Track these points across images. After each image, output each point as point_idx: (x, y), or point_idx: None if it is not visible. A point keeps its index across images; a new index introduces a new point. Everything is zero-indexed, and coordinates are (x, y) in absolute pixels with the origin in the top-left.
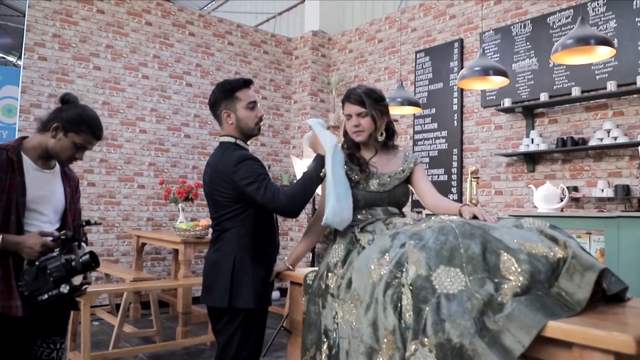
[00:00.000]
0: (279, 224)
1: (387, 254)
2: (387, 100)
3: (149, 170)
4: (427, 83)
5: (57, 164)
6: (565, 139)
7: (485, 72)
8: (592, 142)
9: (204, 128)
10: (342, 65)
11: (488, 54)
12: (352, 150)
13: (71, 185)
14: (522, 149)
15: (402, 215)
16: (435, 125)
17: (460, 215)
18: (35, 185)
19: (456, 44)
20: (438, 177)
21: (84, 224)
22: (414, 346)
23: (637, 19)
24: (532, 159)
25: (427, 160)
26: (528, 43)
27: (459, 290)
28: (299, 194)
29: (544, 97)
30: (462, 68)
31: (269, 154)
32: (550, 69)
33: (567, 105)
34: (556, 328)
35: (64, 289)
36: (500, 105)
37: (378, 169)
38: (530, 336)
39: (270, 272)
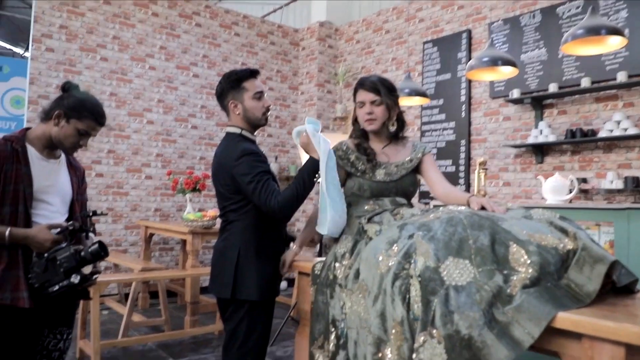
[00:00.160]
0: None
1: (395, 245)
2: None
3: (157, 161)
4: (434, 74)
5: (63, 154)
6: (574, 130)
7: (494, 62)
8: (602, 134)
9: (211, 119)
10: (349, 56)
11: (496, 45)
12: (360, 140)
13: (77, 175)
14: (531, 140)
15: (410, 205)
16: (443, 116)
17: (468, 206)
18: (41, 175)
19: (464, 35)
20: (446, 169)
21: (91, 214)
22: (422, 337)
23: None
24: (540, 151)
25: (435, 151)
26: (537, 33)
27: (467, 282)
28: (290, 199)
29: (553, 88)
30: (470, 59)
31: (276, 145)
32: (560, 60)
33: (576, 96)
34: (566, 319)
35: (75, 279)
36: (508, 96)
37: (390, 159)
38: (540, 328)
39: (277, 264)
